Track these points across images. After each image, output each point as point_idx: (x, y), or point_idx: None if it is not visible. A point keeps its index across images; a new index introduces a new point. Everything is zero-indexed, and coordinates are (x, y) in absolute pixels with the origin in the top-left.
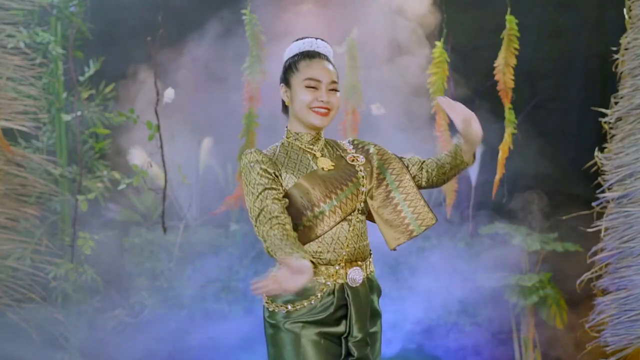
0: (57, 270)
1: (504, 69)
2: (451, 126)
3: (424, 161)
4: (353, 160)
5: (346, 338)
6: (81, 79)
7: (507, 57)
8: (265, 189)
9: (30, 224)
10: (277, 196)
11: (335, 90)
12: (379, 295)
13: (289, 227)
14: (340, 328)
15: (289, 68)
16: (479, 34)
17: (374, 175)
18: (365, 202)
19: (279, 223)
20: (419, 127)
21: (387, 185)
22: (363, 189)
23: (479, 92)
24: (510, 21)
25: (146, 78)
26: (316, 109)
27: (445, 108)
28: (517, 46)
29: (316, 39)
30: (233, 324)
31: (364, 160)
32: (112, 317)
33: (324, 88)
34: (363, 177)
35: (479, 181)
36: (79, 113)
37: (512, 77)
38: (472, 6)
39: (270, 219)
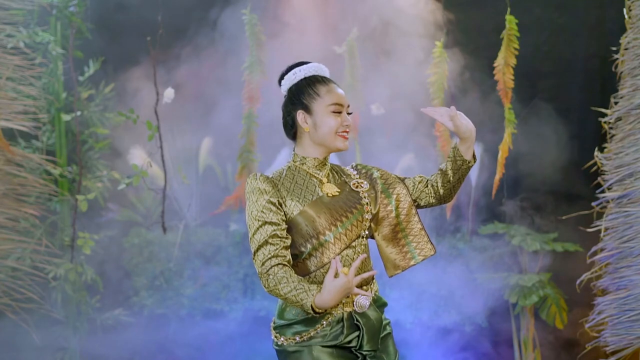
0: (57, 270)
1: (504, 69)
2: None
3: (428, 178)
4: (357, 187)
5: (357, 350)
6: (81, 79)
7: (507, 57)
8: (266, 222)
9: (30, 224)
10: (277, 232)
11: (349, 112)
12: (385, 307)
13: (288, 266)
14: (352, 343)
15: (307, 93)
16: (479, 34)
17: (378, 200)
18: (369, 227)
19: (279, 263)
20: (419, 127)
21: (390, 211)
22: (367, 215)
23: (479, 93)
24: (510, 21)
25: (146, 78)
26: (341, 134)
27: (431, 116)
28: (517, 46)
29: (315, 63)
30: (233, 323)
31: (367, 186)
32: (112, 317)
33: (345, 112)
34: (367, 203)
35: (479, 181)
36: (78, 113)
37: (512, 77)
38: (472, 6)
39: (270, 258)
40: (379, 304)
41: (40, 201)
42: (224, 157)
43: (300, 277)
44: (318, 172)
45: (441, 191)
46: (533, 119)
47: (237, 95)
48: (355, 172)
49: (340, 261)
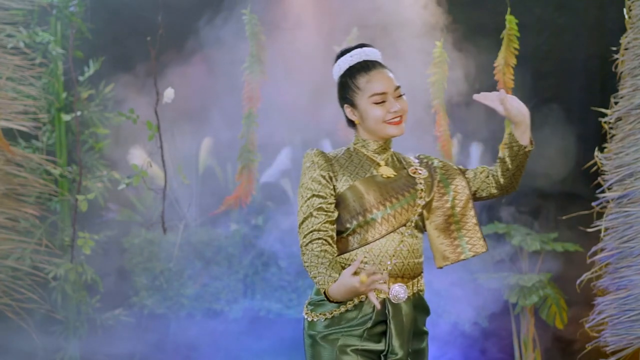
0: (57, 270)
1: (504, 69)
2: (451, 126)
3: (490, 169)
4: (414, 173)
5: (385, 355)
6: (81, 79)
7: (507, 57)
8: (314, 195)
9: (30, 223)
10: (323, 205)
11: (401, 95)
12: (426, 315)
13: (329, 242)
14: (380, 345)
15: (349, 88)
16: (479, 34)
17: (434, 189)
18: (421, 215)
19: (319, 238)
20: (419, 127)
21: (446, 201)
22: (420, 201)
23: (479, 93)
24: (510, 21)
25: (146, 78)
26: (390, 121)
27: (483, 102)
28: (517, 46)
29: (361, 47)
30: (233, 323)
31: (426, 174)
32: (112, 317)
33: (391, 97)
34: (422, 189)
35: None
36: (78, 113)
37: (512, 77)
38: (472, 6)
39: (311, 231)
40: (417, 303)
41: (40, 201)
42: (224, 157)
43: (331, 260)
44: (377, 155)
45: (502, 180)
46: (533, 119)
47: (237, 95)
48: (417, 161)
49: (384, 246)
